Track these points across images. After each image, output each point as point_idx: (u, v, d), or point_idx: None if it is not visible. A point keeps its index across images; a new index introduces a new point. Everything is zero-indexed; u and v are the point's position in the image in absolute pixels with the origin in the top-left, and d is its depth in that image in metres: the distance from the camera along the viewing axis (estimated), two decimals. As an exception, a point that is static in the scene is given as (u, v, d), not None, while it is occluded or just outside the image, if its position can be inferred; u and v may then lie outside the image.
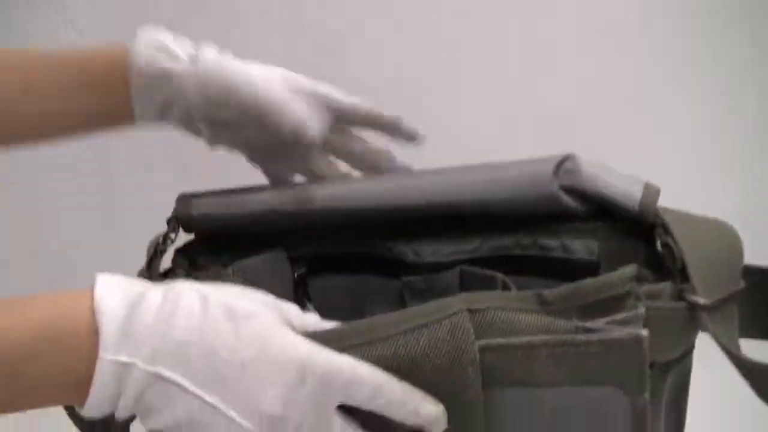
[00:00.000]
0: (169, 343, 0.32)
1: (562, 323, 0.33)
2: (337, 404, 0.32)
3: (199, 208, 0.51)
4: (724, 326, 0.37)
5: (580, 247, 0.46)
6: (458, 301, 0.33)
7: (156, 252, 0.48)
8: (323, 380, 0.32)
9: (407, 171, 0.54)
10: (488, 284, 0.47)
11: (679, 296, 0.37)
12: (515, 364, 0.32)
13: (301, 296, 0.52)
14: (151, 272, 0.47)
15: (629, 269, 0.35)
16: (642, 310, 0.34)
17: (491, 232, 0.49)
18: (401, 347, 0.32)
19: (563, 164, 0.45)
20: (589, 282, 0.34)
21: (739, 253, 0.41)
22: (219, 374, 0.31)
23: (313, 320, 0.35)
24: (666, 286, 0.37)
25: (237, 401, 0.31)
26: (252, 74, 0.48)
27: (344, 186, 0.51)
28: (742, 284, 0.40)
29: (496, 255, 0.49)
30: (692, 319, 0.37)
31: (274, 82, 0.48)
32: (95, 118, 0.51)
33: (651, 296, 0.36)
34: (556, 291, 0.34)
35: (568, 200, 0.45)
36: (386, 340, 0.32)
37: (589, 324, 0.33)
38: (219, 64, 0.47)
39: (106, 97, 0.48)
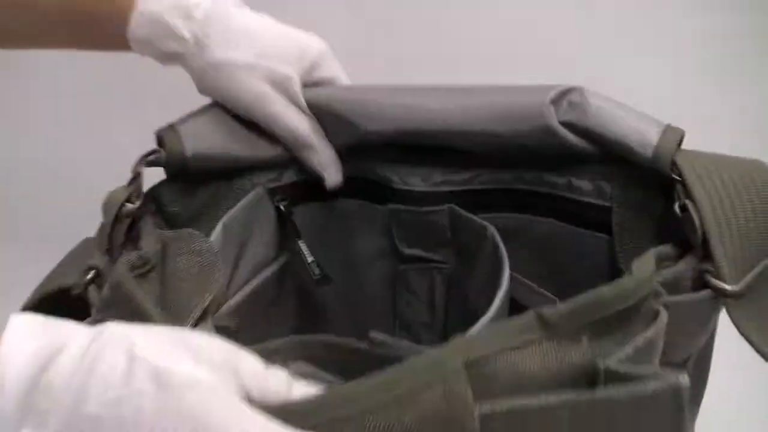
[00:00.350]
0: (80, 419, 0.26)
1: (576, 360, 0.28)
2: None
3: (194, 146, 0.44)
4: (757, 315, 0.32)
5: (591, 188, 0.41)
6: (451, 355, 0.27)
7: (118, 217, 0.41)
8: None
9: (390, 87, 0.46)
10: (478, 235, 0.42)
11: (702, 280, 0.32)
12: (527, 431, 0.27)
13: (289, 234, 0.48)
14: (112, 242, 0.40)
15: (646, 269, 0.30)
16: (664, 318, 0.29)
17: (488, 163, 0.44)
18: (384, 425, 0.26)
19: (567, 96, 0.40)
20: (598, 296, 0.29)
21: None
22: None
23: (276, 382, 0.28)
24: (686, 269, 0.32)
25: None
26: (242, 87, 0.46)
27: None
28: None
29: (495, 188, 0.44)
30: (718, 306, 0.33)
31: (265, 93, 0.46)
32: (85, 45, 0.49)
33: (670, 287, 0.31)
34: (561, 310, 0.28)
35: (570, 138, 0.39)
36: (366, 416, 0.26)
37: (611, 362, 0.27)
38: (214, 63, 0.45)
39: (101, 40, 0.48)
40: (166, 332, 0.28)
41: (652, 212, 0.38)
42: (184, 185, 0.45)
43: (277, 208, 0.47)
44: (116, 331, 0.27)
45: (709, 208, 0.33)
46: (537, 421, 0.26)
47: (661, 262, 0.32)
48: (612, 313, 0.29)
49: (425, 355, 0.27)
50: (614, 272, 0.38)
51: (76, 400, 0.26)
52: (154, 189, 0.45)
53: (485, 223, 0.43)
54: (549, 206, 0.43)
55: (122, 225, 0.41)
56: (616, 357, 0.28)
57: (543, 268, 0.44)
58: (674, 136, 0.37)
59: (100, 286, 0.37)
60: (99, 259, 0.39)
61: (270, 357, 0.34)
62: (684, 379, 0.26)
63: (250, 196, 0.46)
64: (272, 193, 0.47)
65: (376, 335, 0.34)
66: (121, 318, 0.30)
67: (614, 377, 0.27)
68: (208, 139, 0.45)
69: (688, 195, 0.34)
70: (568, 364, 0.28)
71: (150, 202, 0.45)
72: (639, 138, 0.37)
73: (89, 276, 0.37)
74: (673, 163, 0.36)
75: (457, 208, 0.45)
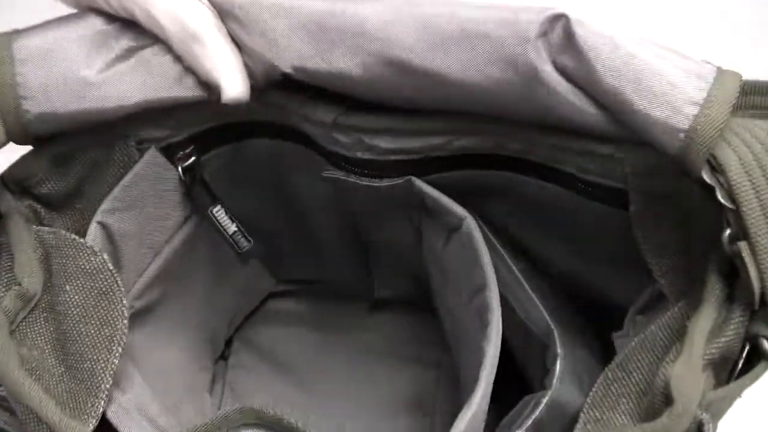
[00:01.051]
0: None
1: None
2: None
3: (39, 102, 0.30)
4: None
5: (598, 169, 0.29)
6: None
7: None
8: None
9: None
10: (450, 222, 0.32)
11: (751, 342, 0.24)
12: None
13: (203, 200, 0.37)
14: None
15: (691, 396, 0.22)
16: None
17: (456, 129, 0.31)
18: None
19: (560, 23, 0.26)
20: None
21: None
22: None
23: None
24: (737, 338, 0.24)
25: None
26: None
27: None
28: None
29: (471, 154, 0.32)
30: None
31: None
32: None
33: (715, 365, 0.24)
34: None
35: (565, 92, 0.26)
36: None
37: None
38: None
39: None
40: None
41: (683, 203, 0.27)
42: (52, 155, 0.33)
43: (179, 170, 0.35)
44: None
45: None
46: None
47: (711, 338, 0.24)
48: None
49: None
50: (628, 243, 0.29)
51: None
52: (13, 169, 0.33)
53: (461, 212, 0.32)
54: (543, 173, 0.31)
55: None
56: None
57: (535, 228, 0.35)
58: (714, 121, 0.24)
59: None
60: None
61: (218, 428, 0.29)
62: None
63: (138, 166, 0.34)
64: (170, 150, 0.35)
65: None
66: None
67: None
68: (65, 68, 0.31)
69: (744, 232, 0.24)
70: None
71: (12, 183, 0.33)
72: (664, 117, 0.25)
73: None
74: (716, 167, 0.25)
75: (418, 183, 0.33)
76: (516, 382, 0.36)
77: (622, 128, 0.27)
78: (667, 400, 0.23)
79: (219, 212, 0.36)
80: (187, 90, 0.32)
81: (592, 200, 0.30)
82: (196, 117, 0.34)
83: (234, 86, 0.31)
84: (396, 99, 0.30)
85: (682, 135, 0.25)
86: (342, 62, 0.29)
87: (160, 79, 0.32)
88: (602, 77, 0.26)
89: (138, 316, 0.37)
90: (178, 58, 0.32)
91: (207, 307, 0.43)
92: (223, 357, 0.48)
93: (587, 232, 0.33)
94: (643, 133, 0.26)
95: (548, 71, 0.27)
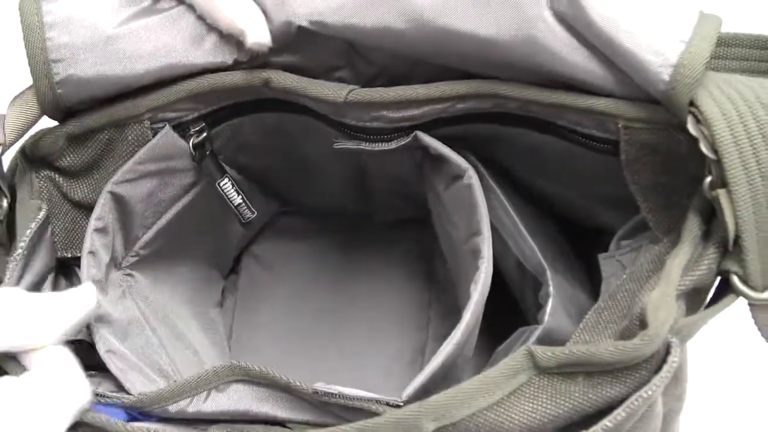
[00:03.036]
0: None
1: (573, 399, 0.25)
2: None
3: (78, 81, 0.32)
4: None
5: (593, 123, 0.32)
6: (421, 419, 0.24)
7: None
8: None
9: None
10: (453, 174, 0.35)
11: (723, 278, 0.28)
12: None
13: (211, 172, 0.39)
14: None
15: (663, 322, 0.25)
16: (676, 358, 0.25)
17: (461, 93, 0.33)
18: None
19: None
20: (597, 354, 0.25)
21: None
22: None
23: None
24: (710, 272, 0.27)
25: None
26: None
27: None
28: None
29: (469, 114, 0.35)
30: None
31: None
32: None
33: (686, 296, 0.27)
34: (555, 358, 0.25)
35: (560, 39, 0.29)
36: None
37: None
38: None
39: None
40: None
41: (670, 151, 0.30)
42: (69, 135, 0.35)
43: (190, 145, 0.38)
44: None
45: (750, 203, 0.26)
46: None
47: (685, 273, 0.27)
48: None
49: (395, 420, 0.25)
50: (618, 184, 0.32)
51: None
52: (33, 146, 0.35)
53: (464, 164, 0.35)
54: (541, 127, 0.34)
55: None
56: None
57: (533, 170, 0.38)
58: (705, 43, 0.27)
59: None
60: None
61: (210, 382, 0.33)
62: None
63: (152, 143, 0.36)
64: (181, 127, 0.37)
65: (322, 386, 0.31)
66: None
67: None
68: (92, 27, 0.32)
69: (723, 180, 0.27)
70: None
71: (33, 156, 0.35)
72: (652, 56, 0.27)
73: None
74: (701, 120, 0.27)
75: (424, 137, 0.35)
76: (510, 313, 0.39)
77: (615, 82, 0.30)
78: (642, 324, 0.26)
79: (226, 185, 0.39)
80: (205, 55, 0.33)
81: (587, 149, 0.33)
82: (208, 99, 0.36)
83: (257, 30, 0.33)
84: (404, 52, 0.33)
85: (670, 70, 0.28)
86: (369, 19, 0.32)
87: (182, 38, 0.33)
88: (593, 18, 0.29)
89: (143, 261, 0.40)
90: (200, 18, 0.33)
91: (213, 240, 0.46)
92: (234, 271, 0.51)
93: (582, 175, 0.36)
94: (634, 74, 0.29)
95: (546, 16, 0.29)
